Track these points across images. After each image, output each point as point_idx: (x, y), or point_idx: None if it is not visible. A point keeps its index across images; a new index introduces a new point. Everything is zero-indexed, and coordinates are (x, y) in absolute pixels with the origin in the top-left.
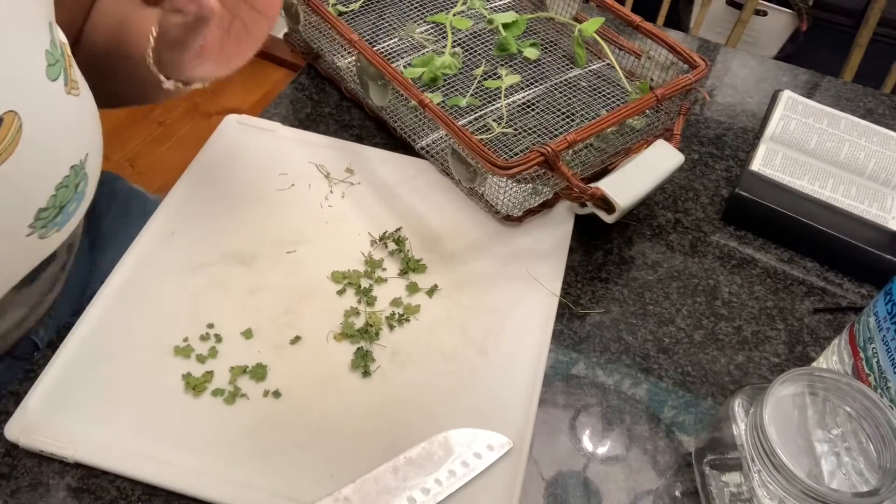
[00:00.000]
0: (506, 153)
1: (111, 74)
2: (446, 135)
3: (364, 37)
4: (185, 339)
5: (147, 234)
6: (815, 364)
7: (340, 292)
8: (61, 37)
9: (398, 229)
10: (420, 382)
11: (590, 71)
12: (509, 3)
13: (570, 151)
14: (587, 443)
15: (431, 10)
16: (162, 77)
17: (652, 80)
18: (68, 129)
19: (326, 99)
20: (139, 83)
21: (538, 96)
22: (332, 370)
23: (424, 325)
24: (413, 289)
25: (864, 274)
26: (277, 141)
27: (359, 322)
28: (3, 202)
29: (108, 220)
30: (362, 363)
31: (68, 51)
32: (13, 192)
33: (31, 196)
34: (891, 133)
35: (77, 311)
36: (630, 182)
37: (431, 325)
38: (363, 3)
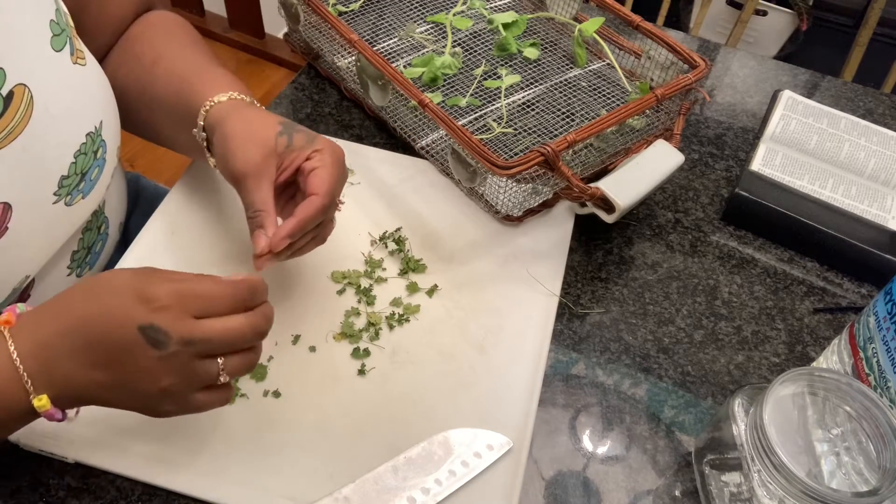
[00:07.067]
0: (506, 153)
1: (162, 115)
2: (446, 135)
3: (364, 37)
4: None
5: (147, 235)
6: (815, 364)
7: (340, 292)
8: (63, 6)
9: (398, 229)
10: (420, 382)
11: (590, 71)
12: (509, 3)
13: (570, 151)
14: (587, 443)
15: (431, 10)
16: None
17: (652, 80)
18: (79, 97)
19: (326, 99)
20: (177, 124)
21: (538, 96)
22: (331, 370)
23: (424, 324)
24: (413, 289)
25: (864, 274)
26: None
27: (359, 322)
28: (26, 172)
29: (135, 219)
30: (359, 362)
31: (70, 20)
32: (34, 161)
33: (51, 165)
34: (891, 133)
35: None
36: (630, 182)
37: (431, 325)
38: (363, 3)
